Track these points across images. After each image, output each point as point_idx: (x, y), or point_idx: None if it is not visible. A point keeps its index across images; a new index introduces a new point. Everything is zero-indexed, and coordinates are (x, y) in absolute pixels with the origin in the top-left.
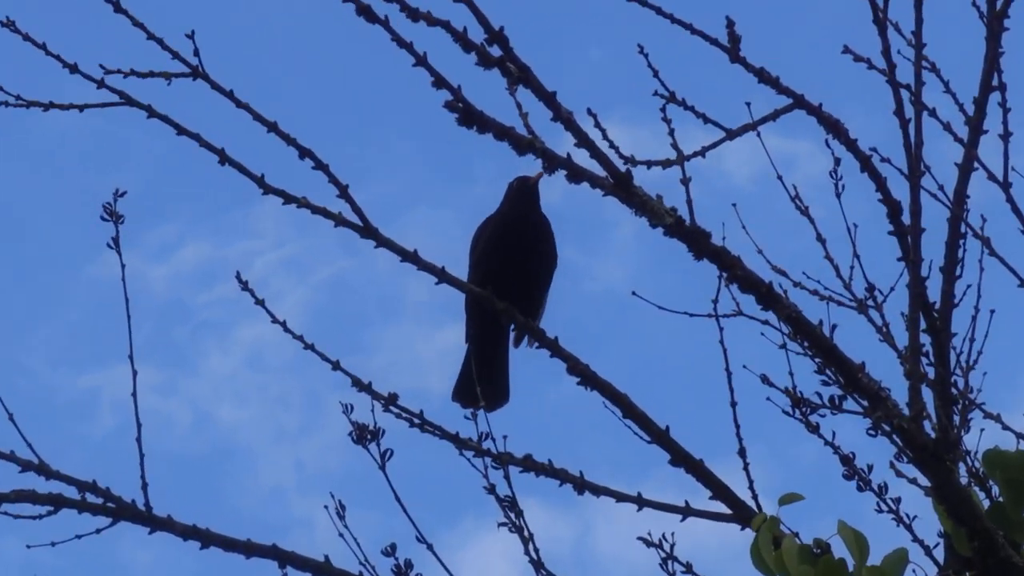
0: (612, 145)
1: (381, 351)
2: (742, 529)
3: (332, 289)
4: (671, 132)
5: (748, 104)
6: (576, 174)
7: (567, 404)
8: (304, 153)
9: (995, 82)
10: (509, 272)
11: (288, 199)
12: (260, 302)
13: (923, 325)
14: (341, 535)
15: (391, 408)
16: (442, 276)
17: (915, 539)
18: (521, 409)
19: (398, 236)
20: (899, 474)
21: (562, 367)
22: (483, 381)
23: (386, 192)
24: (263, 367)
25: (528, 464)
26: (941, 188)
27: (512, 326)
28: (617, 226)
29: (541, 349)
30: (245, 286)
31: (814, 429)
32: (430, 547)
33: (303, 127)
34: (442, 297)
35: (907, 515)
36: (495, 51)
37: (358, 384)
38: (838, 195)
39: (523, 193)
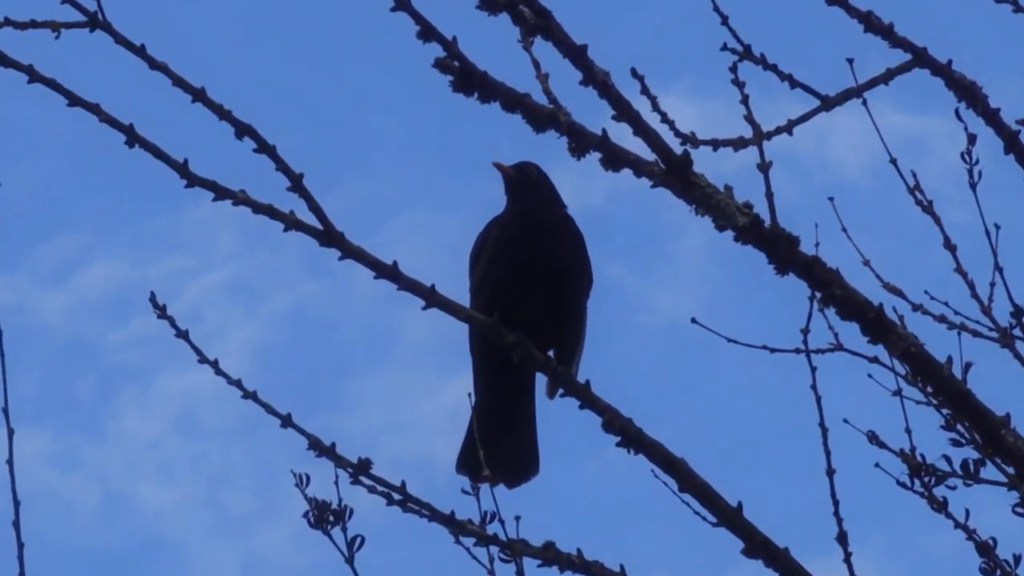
0: (665, 119)
1: (363, 406)
2: None
3: (294, 322)
4: (745, 100)
5: (850, 62)
6: (614, 158)
7: (604, 473)
8: (242, 130)
9: None
10: (521, 292)
11: (221, 193)
12: (182, 334)
13: None
14: None
15: (362, 479)
16: (430, 298)
17: None
18: (540, 480)
19: (379, 245)
20: None
21: (596, 422)
22: (493, 444)
23: (369, 190)
24: (197, 430)
25: (549, 555)
26: None
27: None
28: (679, 234)
29: (567, 397)
30: (162, 313)
31: (941, 506)
32: None
33: (256, 107)
34: (451, 332)
35: None
36: None
37: (316, 446)
38: (973, 186)
39: (526, 184)
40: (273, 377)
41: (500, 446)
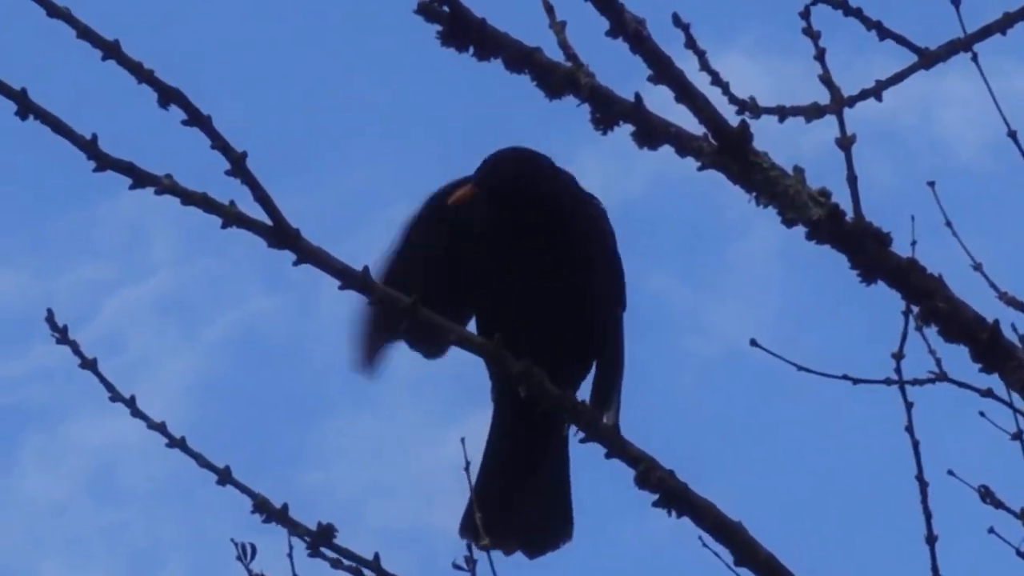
0: (716, 80)
1: (337, 459)
2: None
3: (244, 349)
4: (820, 55)
5: (956, 4)
6: (651, 131)
7: (639, 542)
8: (167, 96)
9: None
10: (527, 304)
11: (140, 179)
12: (88, 364)
13: None
14: None
15: (322, 550)
16: (412, 315)
17: None
18: (558, 551)
19: (355, 250)
20: None
21: (628, 475)
22: (505, 501)
23: (339, 181)
24: (115, 493)
25: None
26: None
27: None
28: (740, 233)
29: (589, 442)
30: (63, 336)
31: None
32: None
33: (197, 72)
34: (457, 359)
35: None
36: None
37: (263, 509)
38: None
39: (508, 194)
40: (217, 420)
41: (516, 504)
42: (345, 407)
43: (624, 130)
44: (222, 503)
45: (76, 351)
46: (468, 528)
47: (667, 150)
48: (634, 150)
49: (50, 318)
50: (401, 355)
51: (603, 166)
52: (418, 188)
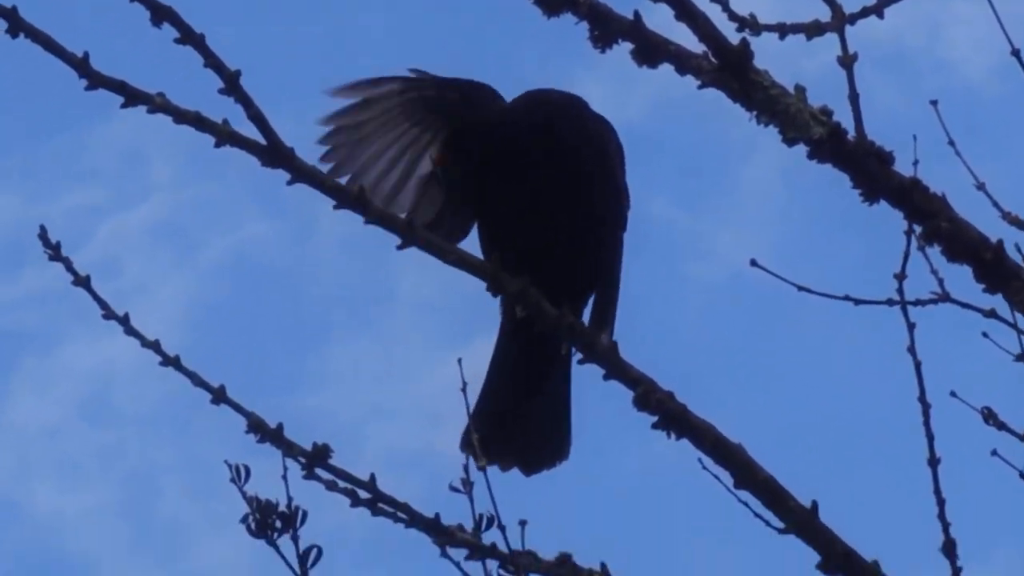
0: None
1: (336, 383)
2: None
3: (241, 273)
4: None
5: None
6: (650, 49)
7: (637, 465)
8: (159, 14)
9: None
10: (527, 221)
11: (131, 97)
12: (81, 281)
13: None
14: None
15: (317, 472)
16: (408, 234)
17: None
18: (554, 474)
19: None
20: None
21: (626, 396)
22: (503, 419)
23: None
24: (108, 415)
25: (564, 572)
26: None
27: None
28: (745, 154)
29: (588, 364)
30: (55, 253)
31: None
32: None
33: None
34: (461, 282)
35: None
36: None
37: (258, 429)
38: None
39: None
40: (213, 344)
41: (515, 421)
42: (345, 331)
43: (623, 49)
44: (217, 425)
45: (69, 268)
46: (468, 445)
47: (667, 69)
48: (634, 71)
49: (43, 235)
50: (402, 277)
51: (602, 88)
52: None
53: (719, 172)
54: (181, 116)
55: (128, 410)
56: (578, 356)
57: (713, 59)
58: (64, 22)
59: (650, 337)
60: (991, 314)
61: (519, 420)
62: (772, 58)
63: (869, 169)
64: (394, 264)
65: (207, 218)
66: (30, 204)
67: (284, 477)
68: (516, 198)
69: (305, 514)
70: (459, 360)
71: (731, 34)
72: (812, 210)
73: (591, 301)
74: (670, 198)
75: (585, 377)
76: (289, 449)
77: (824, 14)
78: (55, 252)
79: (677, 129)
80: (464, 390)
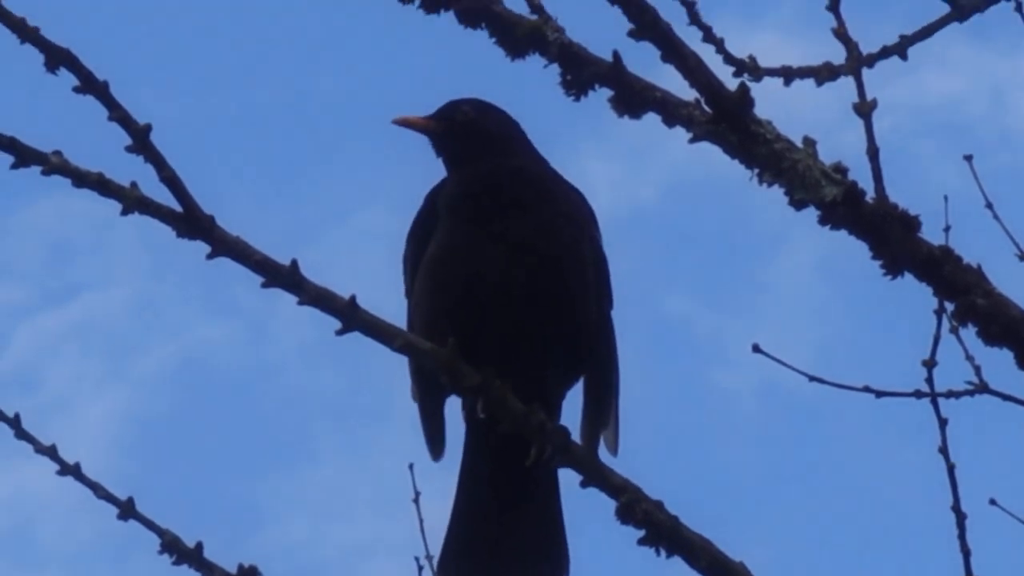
0: (709, 36)
1: (300, 512)
2: None
3: (189, 380)
4: (835, 5)
5: None
6: (632, 95)
7: None
8: (55, 58)
9: None
10: (489, 301)
11: (24, 157)
12: None
13: None
14: None
15: None
16: (350, 316)
17: None
18: None
19: (326, 254)
20: None
21: (609, 508)
22: (483, 538)
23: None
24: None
25: None
26: None
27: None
28: (781, 242)
29: (565, 468)
30: None
31: None
32: None
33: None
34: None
35: None
36: None
37: (173, 549)
38: None
39: (462, 134)
40: (151, 468)
41: (496, 545)
42: (334, 432)
43: (600, 95)
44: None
45: None
46: (447, 568)
47: (653, 122)
48: (646, 146)
49: None
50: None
51: (612, 166)
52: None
53: (747, 262)
54: (81, 178)
55: (53, 547)
56: (547, 456)
57: (707, 107)
58: None
59: (662, 447)
60: None
61: (501, 541)
62: (774, 101)
63: (892, 236)
64: (375, 369)
65: (145, 320)
66: None
67: None
68: (485, 281)
69: None
70: (410, 465)
71: (728, 79)
72: (854, 303)
73: (582, 395)
74: (690, 293)
75: (567, 485)
76: (210, 572)
77: (838, 55)
78: None
79: (697, 210)
80: (416, 500)
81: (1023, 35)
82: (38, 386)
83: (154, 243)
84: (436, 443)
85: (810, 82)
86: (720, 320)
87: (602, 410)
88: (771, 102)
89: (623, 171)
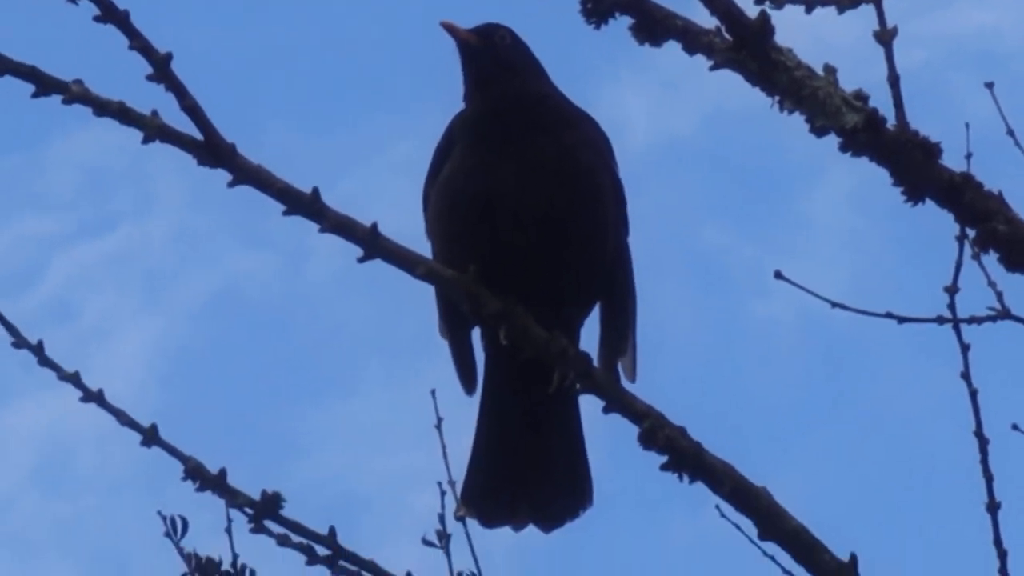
0: None
1: (325, 442)
2: None
3: (225, 313)
4: None
5: None
6: (653, 24)
7: (644, 513)
8: None
9: None
10: (509, 229)
11: (45, 85)
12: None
13: None
14: None
15: (267, 525)
16: (371, 244)
17: None
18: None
19: (361, 186)
20: None
21: (631, 433)
22: (504, 468)
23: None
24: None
25: None
26: None
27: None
28: (817, 174)
29: (587, 394)
30: None
31: None
32: None
33: None
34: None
35: None
36: None
37: (197, 475)
38: None
39: (495, 57)
40: (185, 402)
41: (518, 472)
42: (336, 396)
43: (621, 23)
44: (158, 477)
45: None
46: (470, 501)
47: (673, 48)
48: (680, 77)
49: None
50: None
51: (646, 97)
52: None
53: (783, 193)
54: (102, 107)
55: (88, 477)
56: (569, 383)
57: (727, 35)
58: None
59: (693, 376)
60: None
61: (524, 470)
62: (795, 29)
63: (912, 163)
64: (401, 297)
65: (181, 251)
66: None
67: (228, 530)
68: (504, 208)
69: (253, 573)
70: (432, 392)
71: (749, 7)
72: (886, 232)
73: (599, 321)
74: (727, 224)
75: (589, 413)
76: (233, 498)
77: None
78: None
79: (733, 141)
80: (439, 426)
81: None
82: (75, 317)
83: (191, 174)
84: (468, 377)
85: (832, 9)
86: (757, 251)
87: (619, 337)
88: (799, 30)
89: (659, 102)
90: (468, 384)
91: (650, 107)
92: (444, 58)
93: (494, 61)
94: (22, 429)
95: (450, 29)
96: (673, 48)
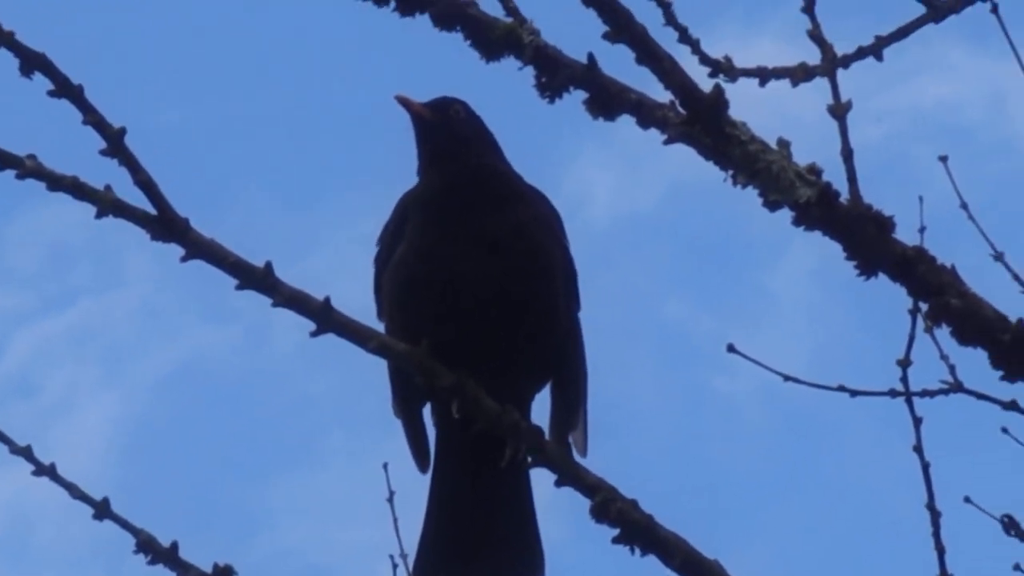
0: (685, 37)
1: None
2: None
3: (186, 387)
4: (809, 7)
5: None
6: (608, 98)
7: None
8: (29, 62)
9: None
10: (461, 303)
11: None
12: None
13: None
14: None
15: None
16: (324, 318)
17: None
18: None
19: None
20: None
21: (584, 507)
22: (457, 540)
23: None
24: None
25: None
26: None
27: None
28: (782, 249)
29: (539, 467)
30: None
31: None
32: None
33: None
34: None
35: None
36: None
37: (149, 548)
38: None
39: (450, 131)
40: (146, 477)
41: (473, 546)
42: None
43: (574, 98)
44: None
45: None
46: (423, 571)
47: (627, 125)
48: (643, 151)
49: None
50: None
51: (609, 172)
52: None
53: (747, 267)
54: (55, 182)
55: (46, 551)
56: (522, 455)
57: (681, 109)
58: None
59: (650, 449)
60: (1011, 406)
61: (475, 544)
62: (749, 104)
63: (866, 237)
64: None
65: (142, 326)
66: None
67: None
68: (458, 282)
69: None
70: (384, 465)
71: (703, 80)
72: (845, 310)
73: (548, 398)
74: (688, 297)
75: (541, 485)
76: (185, 572)
77: (813, 55)
78: None
79: (696, 218)
80: (391, 499)
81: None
82: (36, 392)
83: (152, 249)
84: (422, 455)
85: (786, 82)
86: (718, 324)
87: (570, 411)
88: (765, 105)
89: (621, 175)
90: (422, 462)
91: (612, 181)
92: (404, 132)
93: (449, 135)
94: None
95: (404, 103)
96: (629, 122)
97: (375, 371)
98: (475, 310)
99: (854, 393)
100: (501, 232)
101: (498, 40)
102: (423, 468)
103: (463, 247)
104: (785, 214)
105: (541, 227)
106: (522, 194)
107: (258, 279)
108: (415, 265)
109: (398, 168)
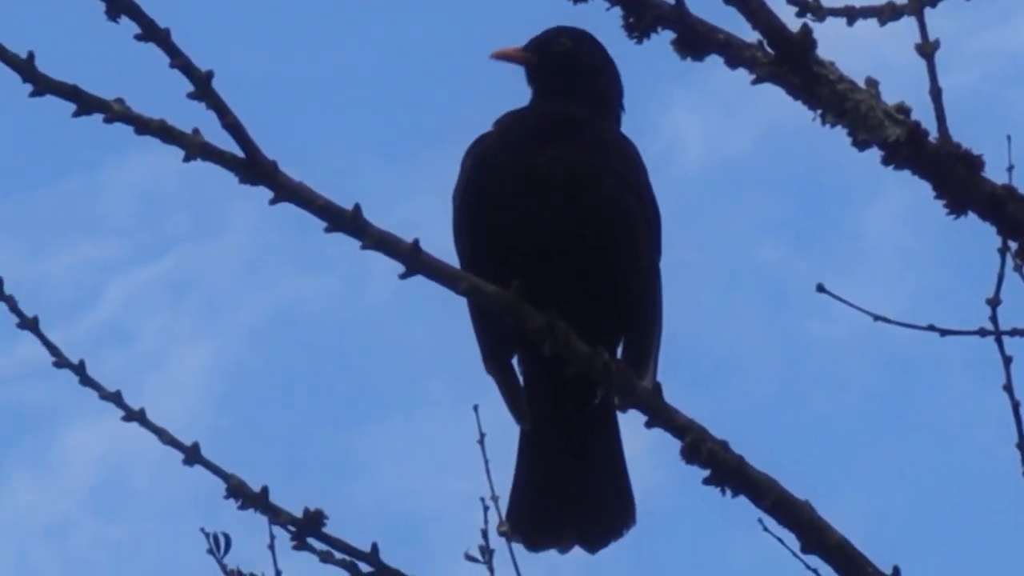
0: None
1: (379, 467)
2: None
3: (280, 335)
4: None
5: None
6: (695, 38)
7: (685, 526)
8: (116, 6)
9: None
10: (549, 246)
11: (86, 104)
12: (29, 324)
13: None
14: None
15: (309, 542)
16: (413, 261)
17: None
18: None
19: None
20: None
21: (674, 447)
22: (548, 489)
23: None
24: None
25: None
26: None
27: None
28: (873, 193)
29: (630, 409)
30: (29, 325)
31: None
32: None
33: None
34: None
35: None
36: None
37: (238, 493)
38: None
39: (557, 66)
40: (240, 426)
41: (563, 491)
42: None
43: (663, 38)
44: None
45: (14, 309)
46: (516, 523)
47: (715, 63)
48: (736, 96)
49: (13, 306)
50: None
51: (700, 115)
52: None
53: (839, 210)
54: (143, 126)
55: (142, 499)
56: (615, 399)
57: (769, 49)
58: (7, 18)
59: (746, 390)
60: None
61: (567, 492)
62: (838, 42)
63: (954, 176)
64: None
65: (236, 274)
66: (30, 259)
67: (271, 547)
68: (545, 224)
69: None
70: (475, 407)
71: (791, 20)
72: (936, 250)
73: (623, 341)
74: (783, 242)
75: (629, 426)
76: (275, 516)
77: None
78: (30, 325)
79: (791, 160)
80: (482, 441)
81: None
82: (130, 340)
83: (247, 197)
84: (519, 409)
85: (873, 22)
86: (813, 268)
87: (642, 361)
88: (853, 45)
89: (713, 121)
90: (521, 415)
91: (704, 126)
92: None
93: (551, 73)
94: (80, 453)
95: (502, 56)
96: (717, 63)
97: (468, 319)
98: (563, 260)
99: (944, 332)
100: (578, 177)
101: None
102: (523, 421)
103: (540, 193)
104: (875, 154)
105: (619, 175)
106: (606, 139)
107: (347, 221)
108: (494, 211)
109: (491, 119)
